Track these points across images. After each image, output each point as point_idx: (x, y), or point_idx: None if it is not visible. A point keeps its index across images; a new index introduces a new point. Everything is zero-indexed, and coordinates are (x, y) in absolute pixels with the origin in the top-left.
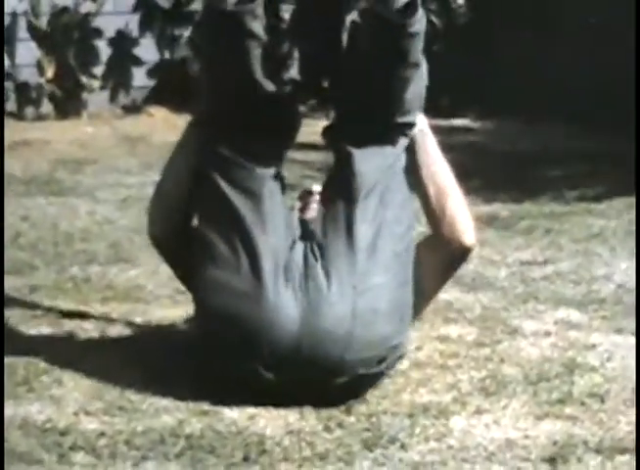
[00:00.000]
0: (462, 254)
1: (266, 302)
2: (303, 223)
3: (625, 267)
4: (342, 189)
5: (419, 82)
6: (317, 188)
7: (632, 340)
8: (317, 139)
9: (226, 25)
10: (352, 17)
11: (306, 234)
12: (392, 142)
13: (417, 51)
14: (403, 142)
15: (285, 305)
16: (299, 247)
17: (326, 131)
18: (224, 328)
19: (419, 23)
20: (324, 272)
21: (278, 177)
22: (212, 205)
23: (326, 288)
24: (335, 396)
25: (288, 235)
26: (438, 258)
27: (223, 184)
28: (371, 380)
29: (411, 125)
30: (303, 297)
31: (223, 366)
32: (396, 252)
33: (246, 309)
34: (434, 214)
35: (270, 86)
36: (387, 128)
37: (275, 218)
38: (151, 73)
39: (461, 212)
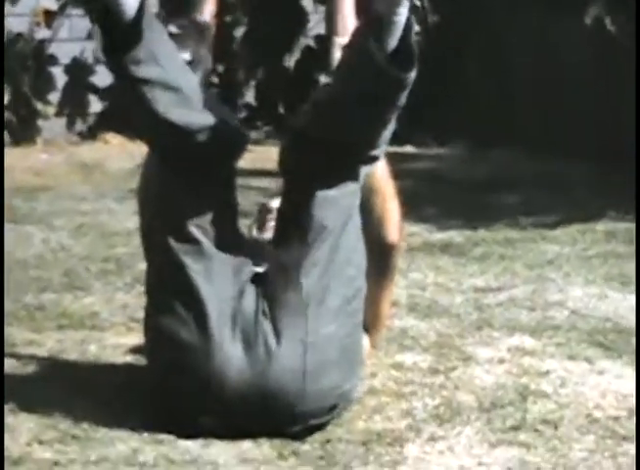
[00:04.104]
0: (386, 250)
1: (213, 355)
2: (255, 253)
3: (579, 294)
4: (296, 232)
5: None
6: (275, 204)
7: (586, 366)
8: (272, 166)
9: (117, 74)
10: (305, 41)
11: (258, 279)
12: (356, 177)
13: (405, 96)
14: (363, 175)
15: (232, 358)
16: (250, 294)
17: (283, 161)
18: (172, 380)
19: (414, 73)
20: (273, 329)
21: (224, 211)
22: (158, 254)
23: (275, 345)
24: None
25: (235, 282)
26: (367, 255)
27: (166, 233)
28: (322, 426)
29: (378, 157)
30: (253, 352)
31: (173, 412)
32: (347, 296)
33: (193, 362)
34: (364, 212)
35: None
36: (356, 162)
37: (221, 264)
38: (103, 96)
39: (389, 213)
